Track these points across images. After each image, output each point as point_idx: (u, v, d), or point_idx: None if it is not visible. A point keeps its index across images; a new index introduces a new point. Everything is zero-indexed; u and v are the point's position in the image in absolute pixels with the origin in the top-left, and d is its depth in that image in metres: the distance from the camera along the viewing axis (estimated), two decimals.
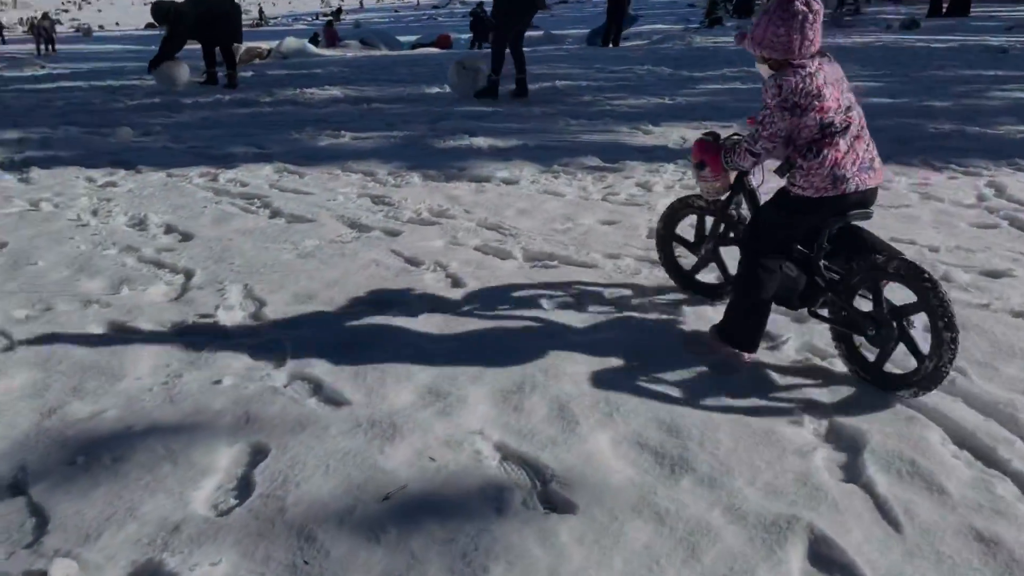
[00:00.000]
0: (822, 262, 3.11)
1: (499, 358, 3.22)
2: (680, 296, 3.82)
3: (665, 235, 3.92)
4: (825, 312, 3.18)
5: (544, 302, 3.78)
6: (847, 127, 2.96)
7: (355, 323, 3.56)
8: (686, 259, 3.93)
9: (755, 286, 3.13)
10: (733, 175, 3.45)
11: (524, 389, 2.99)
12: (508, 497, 2.40)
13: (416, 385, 3.03)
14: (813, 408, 2.89)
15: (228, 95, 10.48)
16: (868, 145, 3.03)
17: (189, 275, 4.20)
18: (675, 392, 2.98)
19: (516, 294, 3.88)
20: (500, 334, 3.43)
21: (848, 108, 2.99)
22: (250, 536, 2.25)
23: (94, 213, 5.32)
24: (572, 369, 3.13)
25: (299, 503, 2.37)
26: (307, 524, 2.29)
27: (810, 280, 3.14)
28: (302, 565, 2.14)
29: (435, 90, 10.43)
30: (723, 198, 3.58)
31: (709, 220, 3.78)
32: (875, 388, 2.98)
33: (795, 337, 3.37)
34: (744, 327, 3.20)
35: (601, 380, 3.05)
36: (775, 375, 3.12)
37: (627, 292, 3.87)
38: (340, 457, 2.59)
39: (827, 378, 3.08)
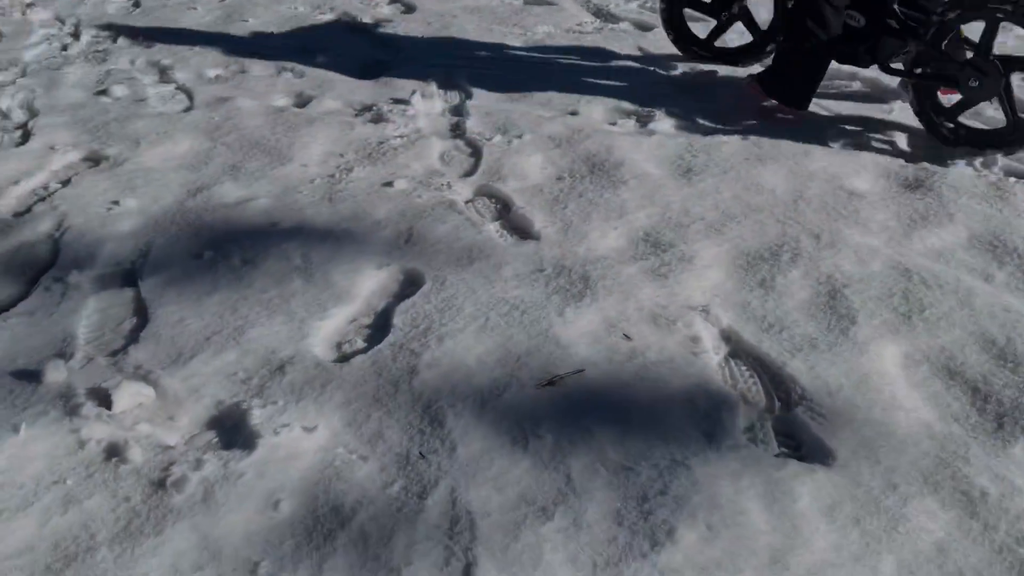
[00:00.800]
0: (896, 4, 2.62)
1: (753, 204, 2.32)
2: None
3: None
4: (902, 68, 2.67)
5: (832, 132, 2.74)
6: None
7: (571, 136, 2.76)
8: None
9: (817, 24, 2.69)
10: None
11: (780, 256, 2.09)
12: (727, 418, 1.61)
13: (630, 227, 2.23)
14: None
15: None
16: None
17: (397, 51, 3.57)
18: (1019, 297, 1.95)
19: (790, 114, 2.86)
20: (760, 170, 2.50)
21: None
22: (364, 399, 1.67)
23: None
24: (858, 238, 2.17)
25: (436, 364, 1.74)
26: (438, 398, 1.66)
27: (883, 27, 2.67)
28: (416, 458, 1.53)
29: None
30: None
31: None
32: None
33: None
34: (795, 77, 2.78)
35: (901, 260, 2.07)
36: None
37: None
38: (506, 310, 1.91)
39: None
